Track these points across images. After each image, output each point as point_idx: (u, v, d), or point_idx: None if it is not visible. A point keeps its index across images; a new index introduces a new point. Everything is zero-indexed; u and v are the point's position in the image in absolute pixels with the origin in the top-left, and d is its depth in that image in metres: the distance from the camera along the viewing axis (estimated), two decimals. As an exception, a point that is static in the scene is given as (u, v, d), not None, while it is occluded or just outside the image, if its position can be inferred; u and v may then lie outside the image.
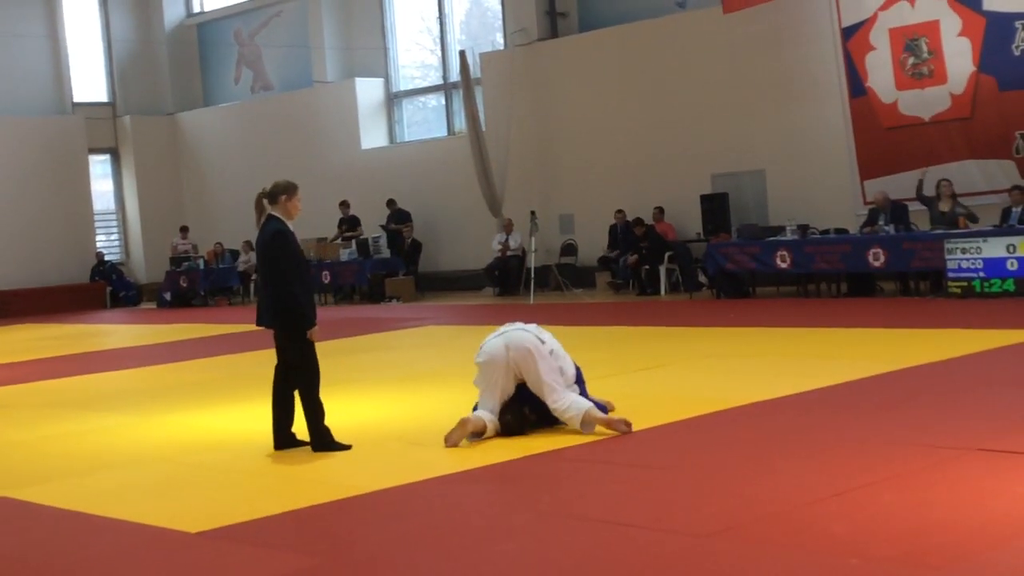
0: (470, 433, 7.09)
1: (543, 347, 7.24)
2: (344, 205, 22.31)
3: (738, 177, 17.92)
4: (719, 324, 12.98)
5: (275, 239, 7.26)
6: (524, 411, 7.25)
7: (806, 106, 17.23)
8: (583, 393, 7.43)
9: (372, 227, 21.91)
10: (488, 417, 7.18)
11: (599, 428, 7.08)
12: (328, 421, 7.33)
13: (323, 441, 7.25)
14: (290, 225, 7.37)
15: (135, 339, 17.43)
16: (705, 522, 5.10)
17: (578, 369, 7.54)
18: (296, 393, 7.36)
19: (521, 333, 7.31)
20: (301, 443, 7.37)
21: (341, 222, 22.31)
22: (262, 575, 4.91)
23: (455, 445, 7.02)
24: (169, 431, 8.55)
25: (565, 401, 7.10)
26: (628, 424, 7.03)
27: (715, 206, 17.70)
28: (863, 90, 16.47)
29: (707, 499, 5.52)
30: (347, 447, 7.23)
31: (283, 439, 7.39)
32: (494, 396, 7.21)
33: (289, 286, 7.21)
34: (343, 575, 4.83)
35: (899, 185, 15.66)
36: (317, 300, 21.12)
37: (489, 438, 7.14)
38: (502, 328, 7.45)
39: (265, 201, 7.38)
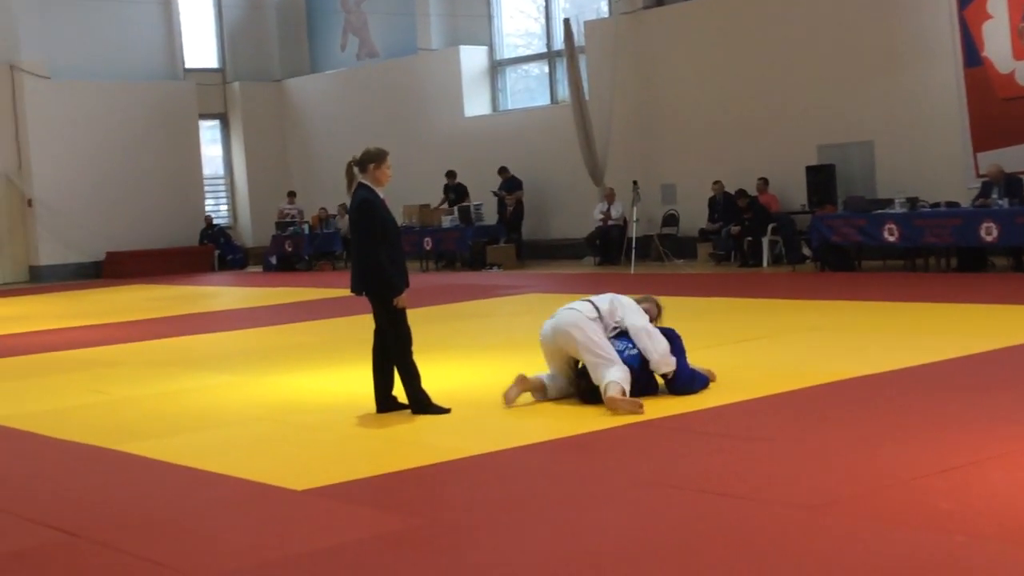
0: (530, 389, 7.41)
1: (590, 325, 7.27)
2: (450, 175, 22.38)
3: (845, 148, 17.57)
4: (823, 297, 12.79)
5: (362, 207, 7.33)
6: None
7: (918, 75, 16.80)
8: (681, 361, 7.41)
9: (475, 194, 21.98)
10: (547, 378, 7.50)
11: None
12: (428, 385, 7.42)
13: (421, 404, 7.34)
14: (380, 192, 7.41)
15: (241, 301, 17.79)
16: (807, 494, 5.05)
17: (677, 338, 7.52)
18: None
19: (568, 313, 7.39)
20: (402, 406, 7.47)
21: (447, 189, 22.39)
22: (368, 534, 5.00)
23: (512, 402, 7.33)
24: (274, 391, 8.72)
25: (603, 379, 7.11)
26: (639, 406, 6.93)
27: (821, 177, 17.38)
28: (979, 60, 16.00)
29: (809, 471, 5.47)
30: (446, 410, 7.31)
31: (384, 402, 7.49)
32: (552, 367, 7.56)
33: (375, 253, 7.27)
34: (445, 537, 4.90)
35: (1014, 157, 15.22)
36: (418, 267, 21.52)
37: (554, 399, 7.43)
38: (566, 305, 7.57)
39: (356, 169, 7.45)
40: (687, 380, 7.41)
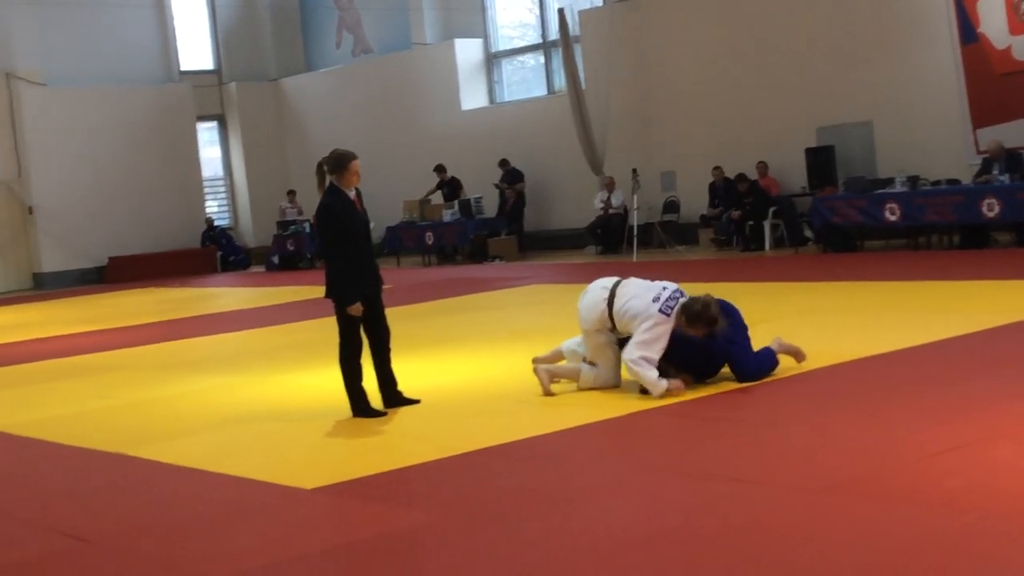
0: (553, 361, 7.69)
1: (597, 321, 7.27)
2: (440, 169, 22.31)
3: (844, 129, 17.54)
4: (826, 279, 12.78)
5: (321, 213, 7.36)
6: None
7: (915, 54, 16.77)
8: (745, 346, 7.29)
9: (474, 187, 21.96)
10: (567, 348, 7.77)
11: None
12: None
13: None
14: (351, 194, 7.35)
15: (245, 302, 17.78)
16: (816, 477, 5.06)
17: (736, 318, 7.33)
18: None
19: (587, 301, 7.37)
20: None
21: (441, 184, 22.32)
22: (379, 530, 5.00)
23: (546, 388, 7.39)
24: (280, 390, 8.72)
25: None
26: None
27: (820, 159, 17.36)
28: (975, 36, 15.97)
29: (818, 454, 5.47)
30: (383, 413, 7.31)
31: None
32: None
33: (333, 260, 7.33)
34: (458, 531, 4.90)
35: (1014, 133, 15.19)
36: (420, 261, 21.45)
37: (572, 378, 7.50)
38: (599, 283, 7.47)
39: (325, 168, 7.42)
40: (753, 370, 7.23)
